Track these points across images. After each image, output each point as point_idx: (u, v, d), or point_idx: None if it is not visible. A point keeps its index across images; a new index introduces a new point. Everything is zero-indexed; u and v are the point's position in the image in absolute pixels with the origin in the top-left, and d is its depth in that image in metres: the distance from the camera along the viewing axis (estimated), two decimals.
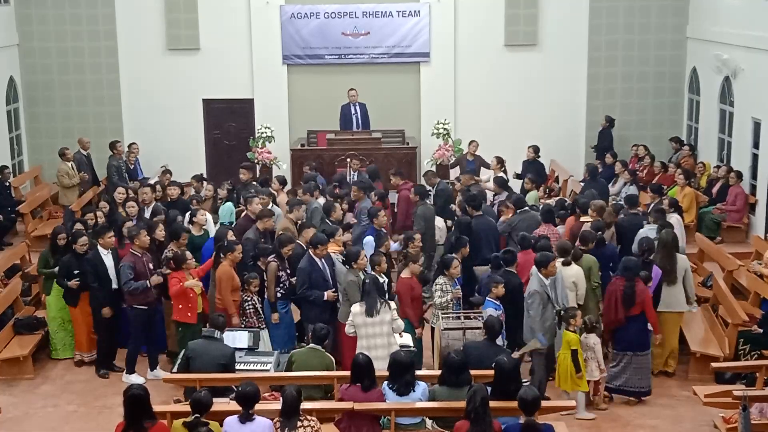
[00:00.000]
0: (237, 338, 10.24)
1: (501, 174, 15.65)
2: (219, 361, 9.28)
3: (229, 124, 19.98)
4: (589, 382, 10.22)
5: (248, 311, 10.85)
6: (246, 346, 10.23)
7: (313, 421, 7.65)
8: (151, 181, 16.72)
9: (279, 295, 11.06)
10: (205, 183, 15.24)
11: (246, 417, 7.66)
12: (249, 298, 10.87)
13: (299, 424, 7.55)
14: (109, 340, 11.57)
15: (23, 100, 19.38)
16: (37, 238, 16.09)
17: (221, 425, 7.77)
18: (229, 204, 13.71)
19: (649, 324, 10.48)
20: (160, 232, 11.77)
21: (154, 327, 11.31)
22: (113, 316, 11.42)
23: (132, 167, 17.74)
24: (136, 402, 7.39)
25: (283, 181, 15.05)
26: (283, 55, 19.39)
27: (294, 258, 11.19)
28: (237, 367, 9.71)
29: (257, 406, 7.87)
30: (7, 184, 16.80)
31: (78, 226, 12.44)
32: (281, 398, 7.76)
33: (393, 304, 9.99)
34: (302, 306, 11.11)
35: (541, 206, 13.49)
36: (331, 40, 19.35)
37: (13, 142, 18.88)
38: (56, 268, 11.61)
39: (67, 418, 10.47)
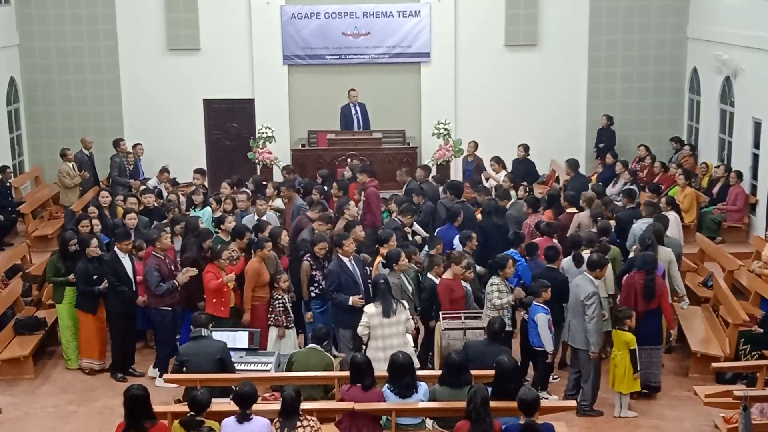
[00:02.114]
0: (237, 338, 10.23)
1: (503, 175, 15.69)
2: (214, 356, 9.26)
3: (229, 124, 19.98)
4: None
5: (277, 309, 10.78)
6: (246, 346, 10.23)
7: (313, 421, 7.65)
8: (151, 182, 16.73)
9: (313, 294, 10.98)
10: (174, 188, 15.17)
11: (243, 417, 7.65)
12: (279, 296, 10.81)
13: (299, 424, 7.55)
14: (126, 344, 11.47)
15: (23, 99, 19.38)
16: (38, 238, 16.12)
17: (220, 425, 7.77)
18: (207, 209, 13.48)
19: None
20: (209, 242, 11.49)
21: (178, 329, 11.26)
22: (129, 320, 11.36)
23: (132, 167, 17.74)
24: (137, 402, 7.39)
25: (237, 183, 15.01)
26: (283, 55, 19.39)
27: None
28: (238, 368, 9.72)
29: (257, 406, 7.87)
30: (8, 184, 16.80)
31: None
32: (281, 398, 7.75)
33: (406, 304, 9.97)
34: (332, 309, 10.82)
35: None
36: (331, 41, 19.35)
37: (13, 143, 18.89)
38: (69, 276, 11.40)
39: (67, 418, 10.47)
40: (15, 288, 12.78)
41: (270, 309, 10.86)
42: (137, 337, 11.92)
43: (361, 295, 10.58)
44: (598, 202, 13.12)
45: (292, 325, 10.90)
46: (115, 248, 11.31)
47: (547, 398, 10.29)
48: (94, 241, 11.44)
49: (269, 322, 10.82)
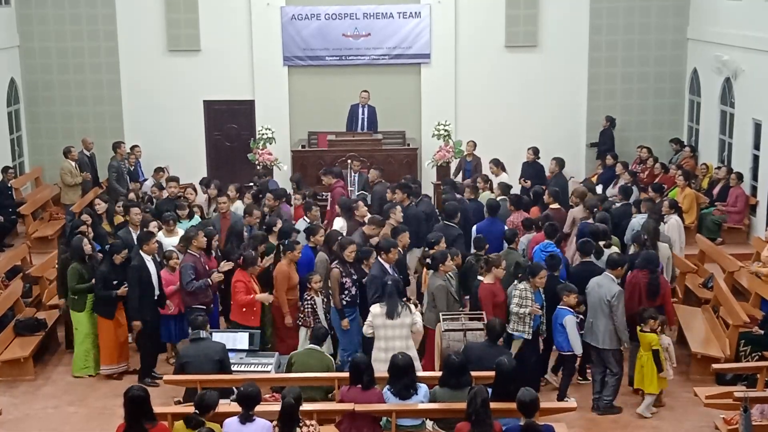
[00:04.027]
0: (237, 339, 10.23)
1: (503, 177, 15.69)
2: (213, 357, 9.28)
3: (229, 125, 19.98)
4: None
5: (306, 310, 10.70)
6: (246, 347, 10.22)
7: (313, 426, 7.63)
8: (148, 182, 16.70)
9: (344, 302, 10.74)
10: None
11: (246, 417, 7.66)
12: (309, 297, 10.71)
13: (298, 430, 7.53)
14: (153, 349, 11.34)
15: (24, 100, 19.37)
16: (38, 239, 16.13)
17: (221, 426, 7.77)
18: (196, 218, 13.28)
19: None
20: (262, 247, 11.45)
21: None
22: (157, 324, 11.21)
23: (132, 169, 17.74)
24: (136, 402, 7.40)
25: (209, 184, 14.94)
26: (283, 57, 19.39)
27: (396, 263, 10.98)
28: (238, 369, 9.74)
29: (258, 408, 7.87)
30: (9, 185, 16.80)
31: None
32: (280, 406, 7.71)
33: (413, 307, 9.98)
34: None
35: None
36: (331, 42, 19.34)
37: (14, 143, 18.89)
38: (92, 281, 11.21)
39: (67, 419, 10.47)
40: (15, 289, 12.77)
41: (300, 309, 10.79)
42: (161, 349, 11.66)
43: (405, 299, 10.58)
44: (592, 195, 13.49)
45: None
46: (141, 252, 11.13)
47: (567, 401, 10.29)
48: (125, 252, 11.27)
49: (298, 321, 10.76)
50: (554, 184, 14.98)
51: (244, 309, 10.76)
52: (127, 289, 11.03)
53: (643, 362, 10.12)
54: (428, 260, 10.89)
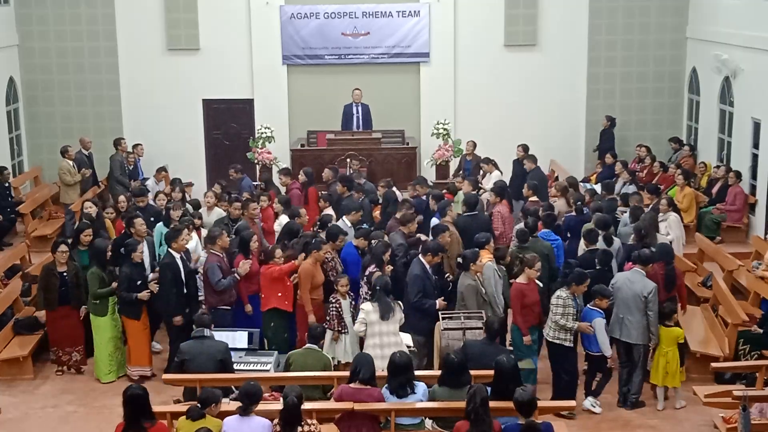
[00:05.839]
0: (236, 338, 10.23)
1: (496, 175, 15.70)
2: (216, 357, 9.25)
3: (229, 124, 19.98)
4: None
5: (331, 313, 10.55)
6: (245, 346, 10.21)
7: (314, 425, 7.62)
8: (148, 182, 16.67)
9: None
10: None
11: (245, 411, 7.68)
12: (334, 300, 10.57)
13: (300, 429, 7.52)
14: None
15: (23, 99, 19.36)
16: (37, 238, 16.11)
17: (221, 425, 7.77)
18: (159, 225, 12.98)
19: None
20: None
21: None
22: (187, 324, 11.02)
23: (132, 167, 17.73)
24: (135, 401, 7.40)
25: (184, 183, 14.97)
26: (283, 56, 19.39)
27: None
28: (237, 368, 9.72)
29: (257, 407, 7.86)
30: (7, 184, 16.78)
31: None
32: (282, 405, 7.65)
33: (401, 303, 10.03)
34: (411, 316, 10.30)
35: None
36: (330, 41, 19.35)
37: (13, 143, 18.88)
38: (113, 284, 11.13)
39: (66, 418, 10.47)
40: (14, 288, 12.78)
41: (325, 312, 10.72)
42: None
43: (443, 298, 10.58)
44: (572, 190, 13.87)
45: (346, 330, 10.55)
46: (170, 249, 11.07)
47: (594, 407, 10.30)
48: (141, 246, 11.25)
49: (324, 324, 10.52)
50: (532, 178, 15.15)
51: (279, 294, 10.78)
52: (148, 293, 11.00)
53: (669, 358, 10.13)
54: (459, 259, 10.83)
